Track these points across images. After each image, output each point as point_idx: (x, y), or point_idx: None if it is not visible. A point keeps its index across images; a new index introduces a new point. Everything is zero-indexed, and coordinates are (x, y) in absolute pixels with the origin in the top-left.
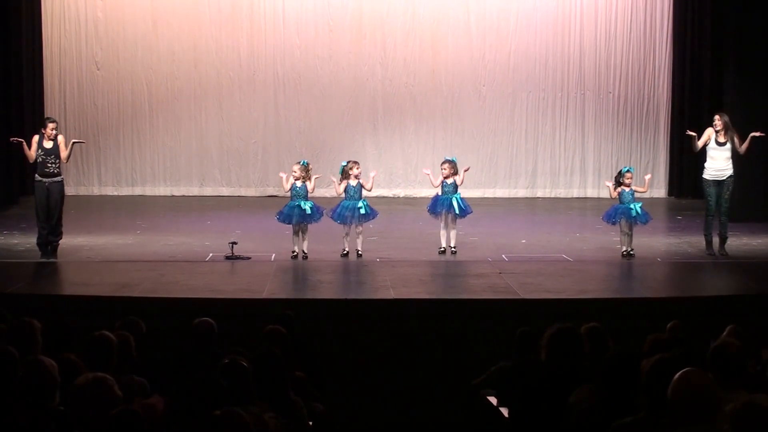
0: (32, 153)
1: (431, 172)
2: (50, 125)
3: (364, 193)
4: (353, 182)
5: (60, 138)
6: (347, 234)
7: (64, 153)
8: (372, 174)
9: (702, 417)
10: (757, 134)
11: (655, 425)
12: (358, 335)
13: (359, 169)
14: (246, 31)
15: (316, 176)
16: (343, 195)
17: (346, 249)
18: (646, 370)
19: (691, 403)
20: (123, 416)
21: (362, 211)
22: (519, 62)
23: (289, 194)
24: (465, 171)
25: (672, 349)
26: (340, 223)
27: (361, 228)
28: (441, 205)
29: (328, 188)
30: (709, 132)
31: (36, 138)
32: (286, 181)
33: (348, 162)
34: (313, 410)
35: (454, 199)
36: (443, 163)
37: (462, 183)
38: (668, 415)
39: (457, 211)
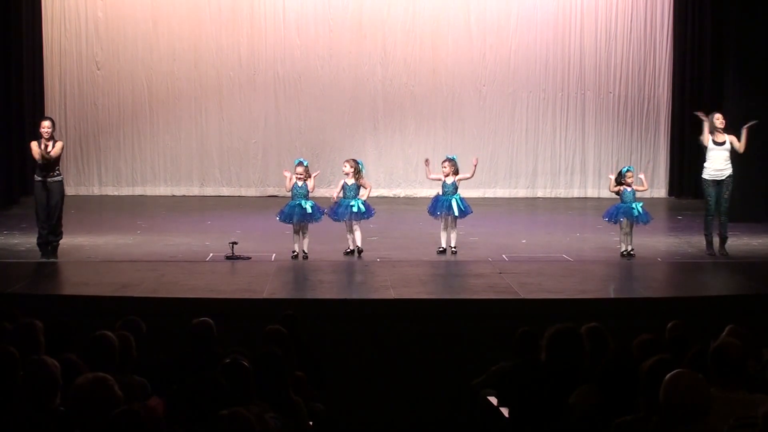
0: (37, 152)
1: (429, 166)
2: (42, 123)
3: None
4: (349, 181)
5: (58, 144)
6: (349, 231)
7: (55, 151)
8: (314, 174)
9: (692, 418)
10: (749, 124)
11: (655, 425)
12: (358, 335)
13: (346, 168)
14: (246, 31)
15: (315, 173)
16: (341, 195)
17: (351, 247)
18: (645, 371)
19: (680, 404)
20: (124, 417)
21: (354, 209)
22: (519, 62)
23: (290, 194)
24: (474, 165)
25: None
26: (334, 219)
27: (356, 226)
28: (441, 207)
29: (328, 188)
30: (708, 136)
31: (35, 144)
32: (290, 180)
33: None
34: (313, 410)
35: (453, 200)
36: (444, 161)
37: (473, 176)
38: (659, 416)
39: (456, 213)
